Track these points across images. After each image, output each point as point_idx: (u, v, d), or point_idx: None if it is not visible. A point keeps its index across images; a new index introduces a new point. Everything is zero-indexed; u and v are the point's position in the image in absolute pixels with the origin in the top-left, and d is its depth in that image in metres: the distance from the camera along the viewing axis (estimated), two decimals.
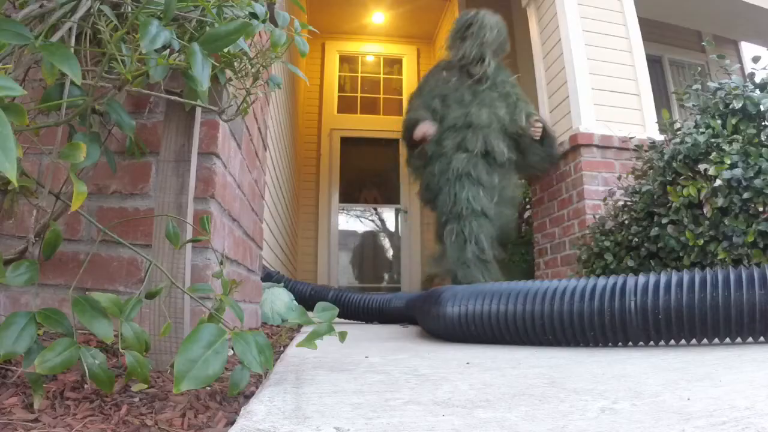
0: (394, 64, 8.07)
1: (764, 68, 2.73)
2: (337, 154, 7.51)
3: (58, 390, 0.83)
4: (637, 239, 2.75)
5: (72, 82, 0.87)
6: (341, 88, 7.86)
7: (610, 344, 1.61)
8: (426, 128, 3.71)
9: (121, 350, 0.85)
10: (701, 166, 2.52)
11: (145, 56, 0.85)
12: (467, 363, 1.31)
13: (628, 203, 2.92)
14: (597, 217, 3.21)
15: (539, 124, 3.74)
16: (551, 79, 4.17)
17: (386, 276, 7.60)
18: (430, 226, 7.35)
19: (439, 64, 4.19)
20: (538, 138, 3.76)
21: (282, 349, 1.59)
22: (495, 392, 0.92)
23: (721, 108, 2.59)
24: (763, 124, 2.46)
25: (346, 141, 7.59)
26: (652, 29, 5.03)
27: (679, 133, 2.78)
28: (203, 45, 0.87)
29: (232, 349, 0.84)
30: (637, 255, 2.77)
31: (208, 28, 0.97)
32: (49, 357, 0.75)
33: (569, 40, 3.87)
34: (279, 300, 2.71)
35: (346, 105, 7.82)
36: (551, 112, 4.17)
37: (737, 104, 2.47)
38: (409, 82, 7.91)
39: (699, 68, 3.49)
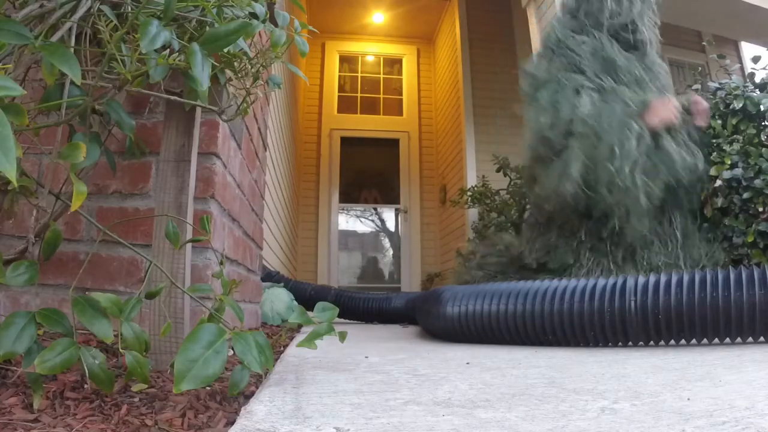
0: (394, 64, 8.07)
1: (764, 68, 2.73)
2: (337, 154, 7.51)
3: (58, 390, 0.83)
4: None
5: (72, 82, 0.87)
6: (341, 88, 7.86)
7: (610, 344, 1.61)
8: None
9: (121, 350, 0.85)
10: None
11: (145, 56, 0.85)
12: (467, 363, 1.31)
13: None
14: None
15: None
16: None
17: (386, 276, 7.60)
18: (431, 226, 7.38)
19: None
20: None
21: (282, 349, 1.59)
22: (495, 392, 0.92)
23: (721, 108, 2.59)
24: (763, 124, 2.46)
25: (346, 141, 7.59)
26: None
27: None
28: (203, 45, 0.87)
29: (232, 349, 0.83)
30: None
31: (208, 28, 0.97)
32: (48, 357, 0.75)
33: None
34: (279, 300, 2.71)
35: (346, 105, 7.82)
36: None
37: (738, 104, 2.47)
38: (409, 82, 7.91)
39: (699, 68, 3.48)
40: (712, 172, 2.44)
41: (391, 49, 8.00)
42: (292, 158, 5.55)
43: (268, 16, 1.11)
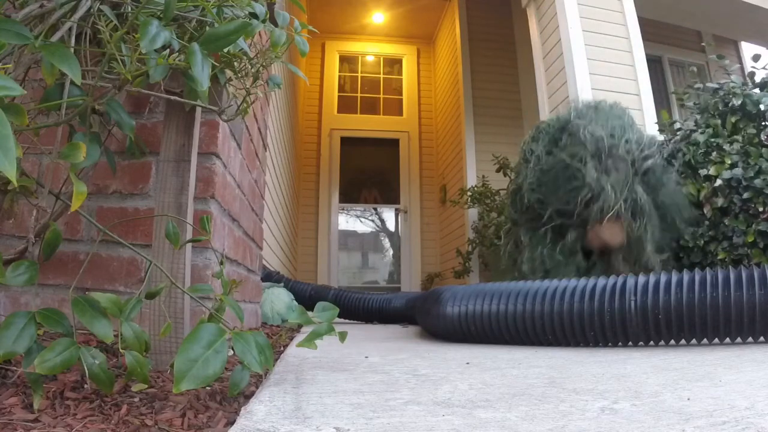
0: (394, 64, 8.07)
1: (764, 67, 2.73)
2: (337, 154, 7.51)
3: (58, 390, 0.83)
4: None
5: (72, 82, 0.87)
6: (341, 88, 7.86)
7: (610, 344, 1.61)
8: None
9: (121, 350, 0.85)
10: (701, 171, 2.53)
11: (145, 56, 0.85)
12: (467, 363, 1.31)
13: None
14: None
15: None
16: (551, 79, 4.17)
17: (386, 276, 7.60)
18: (430, 226, 7.38)
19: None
20: None
21: (282, 349, 1.59)
22: (495, 392, 0.92)
23: (720, 107, 2.59)
24: (762, 123, 2.46)
25: (346, 141, 7.59)
26: (652, 29, 5.02)
27: (679, 132, 2.78)
28: (203, 45, 0.87)
29: (232, 349, 0.83)
30: None
31: (208, 28, 0.96)
32: (48, 357, 0.75)
33: (569, 40, 3.87)
34: (279, 300, 2.71)
35: (346, 105, 7.82)
36: (551, 112, 4.18)
37: (736, 102, 2.47)
38: (409, 82, 7.91)
39: (695, 68, 3.48)
40: (712, 171, 2.44)
41: (391, 49, 7.99)
42: (292, 158, 5.55)
43: (268, 16, 1.11)
